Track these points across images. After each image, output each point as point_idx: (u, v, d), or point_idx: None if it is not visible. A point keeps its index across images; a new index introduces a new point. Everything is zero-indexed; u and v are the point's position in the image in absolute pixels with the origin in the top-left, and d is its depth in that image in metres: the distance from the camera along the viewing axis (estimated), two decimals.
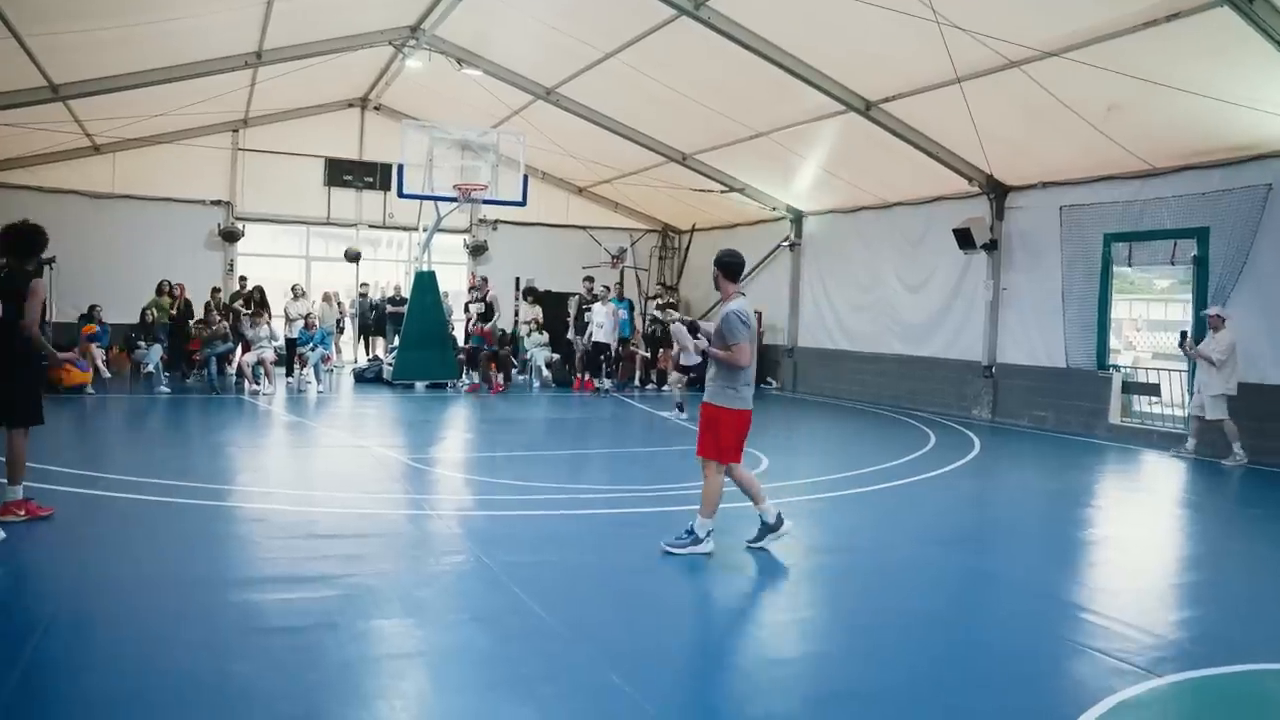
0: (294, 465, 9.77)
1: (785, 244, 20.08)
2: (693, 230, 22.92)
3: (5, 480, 6.55)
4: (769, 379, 20.39)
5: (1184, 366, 12.72)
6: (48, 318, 14.36)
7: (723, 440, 6.14)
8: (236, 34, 14.61)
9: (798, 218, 19.92)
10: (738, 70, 13.95)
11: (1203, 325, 11.51)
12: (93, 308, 15.11)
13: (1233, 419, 11.03)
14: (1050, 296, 14.37)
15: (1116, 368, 13.96)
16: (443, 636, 4.65)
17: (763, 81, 14.00)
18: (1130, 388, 13.72)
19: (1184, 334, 11.77)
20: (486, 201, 17.13)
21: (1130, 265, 13.80)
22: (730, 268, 6.32)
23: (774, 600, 5.59)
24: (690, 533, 6.15)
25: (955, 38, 10.70)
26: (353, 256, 20.30)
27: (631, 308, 20.02)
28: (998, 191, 15.14)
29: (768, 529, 6.36)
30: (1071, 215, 14.01)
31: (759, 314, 20.70)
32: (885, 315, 17.69)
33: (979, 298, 15.69)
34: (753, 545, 6.33)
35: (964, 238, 15.20)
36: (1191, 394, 11.93)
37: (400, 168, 16.05)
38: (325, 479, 8.87)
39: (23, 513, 6.54)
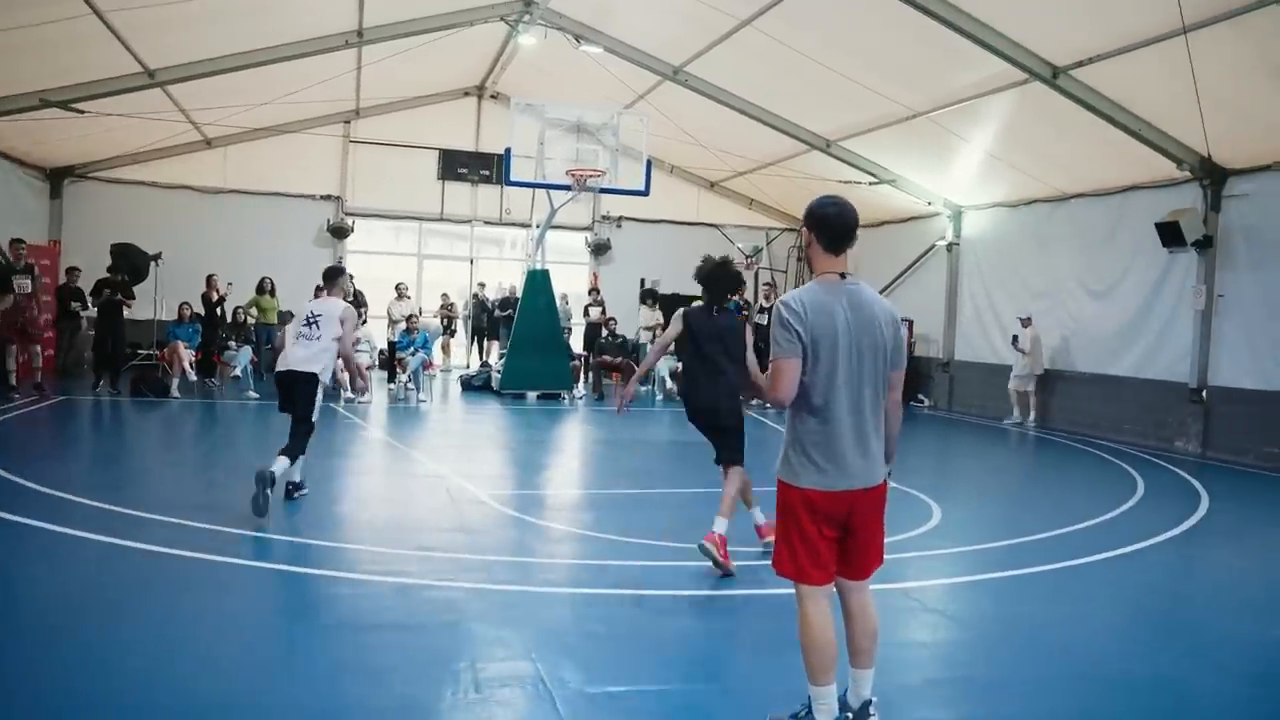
0: (349, 504, 8.01)
1: (941, 243, 17.67)
2: None
3: None
4: (920, 396, 18.01)
5: None
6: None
7: (784, 538, 3.56)
8: (332, 9, 13.39)
9: (956, 214, 17.48)
10: (895, 34, 11.85)
11: None
12: (182, 305, 14.15)
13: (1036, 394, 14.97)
14: None
15: None
16: None
17: (926, 47, 11.85)
18: None
19: (1015, 337, 15.01)
20: (604, 190, 15.48)
21: None
22: (825, 226, 3.55)
23: None
24: (806, 712, 3.61)
25: None
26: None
27: (739, 310, 16.81)
28: (1214, 176, 12.43)
29: None
30: None
31: (909, 323, 18.46)
32: (1062, 326, 15.09)
33: (1185, 305, 12.99)
34: None
35: (1170, 233, 12.57)
36: None
37: (508, 152, 14.48)
38: (377, 526, 7.08)
39: None
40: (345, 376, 7.89)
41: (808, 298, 3.47)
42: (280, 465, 6.78)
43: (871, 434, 3.52)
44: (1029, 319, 14.91)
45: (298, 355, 7.13)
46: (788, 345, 3.43)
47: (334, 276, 7.74)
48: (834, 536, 3.50)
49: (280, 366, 7.29)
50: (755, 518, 6.28)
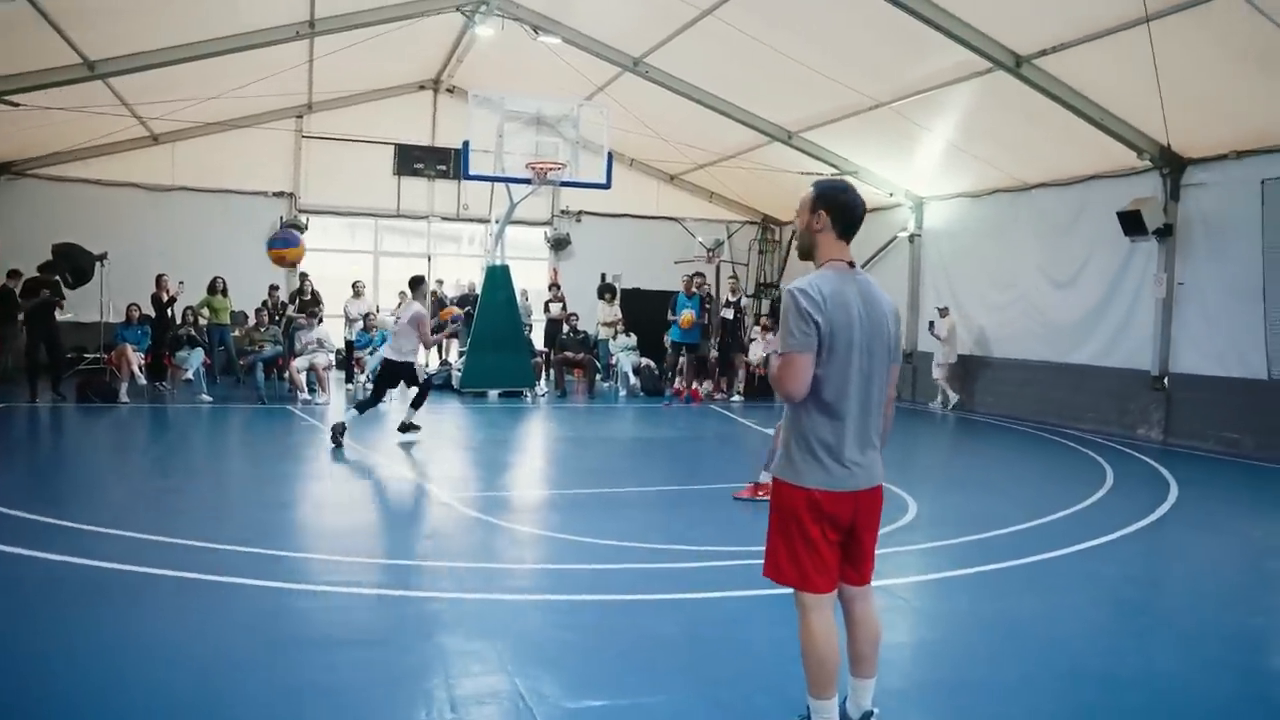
0: (305, 510, 7.73)
1: (903, 235, 17.65)
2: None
3: None
4: None
5: None
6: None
7: (783, 543, 3.32)
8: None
9: (918, 205, 17.47)
10: (858, 22, 11.76)
11: None
12: (130, 306, 13.66)
13: (950, 380, 15.91)
14: (1244, 292, 11.70)
15: None
16: None
17: (889, 36, 11.74)
18: None
19: (931, 323, 15.99)
20: (565, 184, 15.17)
21: None
22: (845, 210, 3.33)
23: None
24: None
25: None
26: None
27: (701, 304, 16.45)
28: (1173, 165, 12.48)
29: None
30: (1278, 190, 11.32)
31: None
32: (1026, 316, 15.11)
33: (1145, 294, 13.05)
34: None
35: (1132, 222, 12.60)
36: None
37: (466, 146, 14.16)
38: (336, 533, 6.80)
39: None
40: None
41: (826, 287, 3.23)
42: (410, 414, 10.35)
43: (874, 432, 3.35)
44: (946, 309, 15.89)
45: (394, 350, 10.36)
46: (803, 338, 3.18)
47: (417, 285, 10.94)
48: (837, 540, 3.31)
49: (385, 355, 10.64)
50: None
